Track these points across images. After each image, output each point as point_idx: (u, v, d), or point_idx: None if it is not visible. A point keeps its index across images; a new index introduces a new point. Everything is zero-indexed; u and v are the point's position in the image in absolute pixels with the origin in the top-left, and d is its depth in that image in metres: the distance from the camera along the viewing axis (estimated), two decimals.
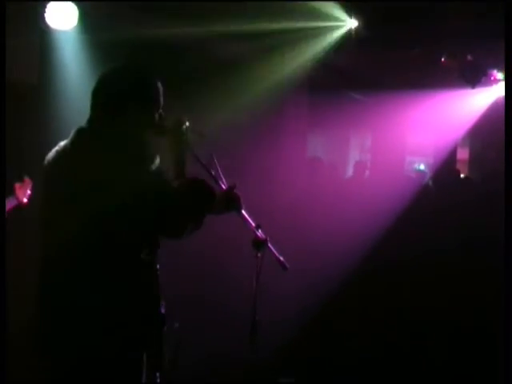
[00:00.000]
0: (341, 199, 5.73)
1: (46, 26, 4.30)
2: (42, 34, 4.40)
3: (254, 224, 3.02)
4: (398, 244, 5.27)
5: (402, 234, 5.35)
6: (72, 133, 2.68)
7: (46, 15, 4.25)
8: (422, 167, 9.10)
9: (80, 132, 2.66)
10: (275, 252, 3.05)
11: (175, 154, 2.73)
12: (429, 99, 7.22)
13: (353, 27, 4.92)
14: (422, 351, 5.05)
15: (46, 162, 2.71)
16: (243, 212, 2.96)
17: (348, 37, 5.05)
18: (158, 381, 2.79)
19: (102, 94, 2.68)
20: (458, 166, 8.42)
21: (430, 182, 7.14)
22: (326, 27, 4.89)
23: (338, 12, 4.69)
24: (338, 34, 5.01)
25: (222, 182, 2.90)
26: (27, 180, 3.62)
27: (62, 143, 2.72)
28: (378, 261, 5.21)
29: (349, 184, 6.72)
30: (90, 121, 2.68)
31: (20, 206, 3.58)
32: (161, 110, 2.76)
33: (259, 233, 3.01)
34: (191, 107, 4.90)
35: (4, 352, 2.73)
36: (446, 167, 7.40)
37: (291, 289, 4.84)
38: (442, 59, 6.08)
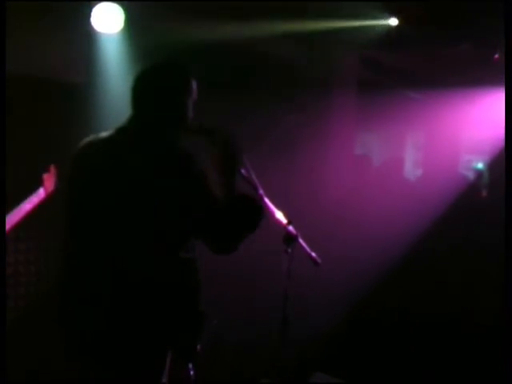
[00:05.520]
0: (390, 196, 5.71)
1: (93, 30, 4.47)
2: (90, 37, 4.57)
3: (285, 220, 3.09)
4: (443, 243, 5.23)
5: (449, 232, 5.31)
6: (113, 130, 2.76)
7: (93, 19, 4.41)
8: (479, 166, 8.88)
9: (122, 130, 2.74)
10: (306, 247, 3.11)
11: (225, 169, 2.67)
12: (484, 97, 7.07)
13: (393, 25, 4.90)
14: (469, 349, 4.98)
15: (82, 151, 2.77)
16: (274, 210, 3.03)
17: (393, 35, 5.02)
18: (192, 372, 2.86)
19: (141, 92, 2.75)
20: None
21: (485, 180, 6.99)
22: (368, 26, 4.89)
23: (379, 10, 4.69)
24: (380, 31, 4.99)
25: (258, 188, 2.94)
26: (53, 168, 3.72)
27: (101, 138, 2.77)
28: (422, 259, 5.18)
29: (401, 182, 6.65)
30: (131, 120, 2.77)
31: (49, 196, 3.70)
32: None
33: (290, 229, 3.08)
34: (237, 107, 5.00)
35: (3, 349, 2.83)
36: (502, 165, 7.21)
37: (329, 282, 4.87)
38: (496, 56, 5.94)
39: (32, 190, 3.65)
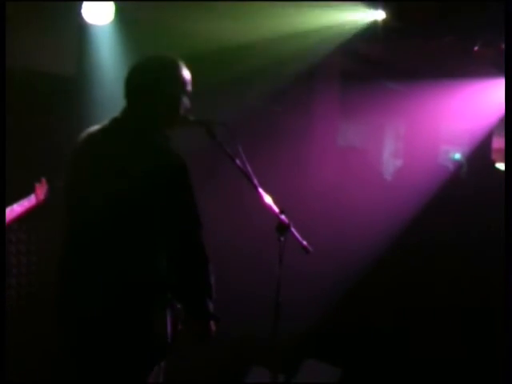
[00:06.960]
0: (371, 187, 5.80)
1: (84, 22, 4.49)
2: (80, 29, 4.59)
3: (277, 209, 3.14)
4: (425, 233, 5.32)
5: (430, 222, 5.40)
6: (106, 122, 2.81)
7: (83, 11, 4.42)
8: (457, 156, 9.02)
9: (114, 121, 2.79)
10: (298, 236, 3.16)
11: None
12: (463, 88, 7.18)
13: (379, 19, 4.99)
14: (449, 338, 5.09)
15: (78, 145, 2.83)
16: (267, 198, 3.08)
17: (377, 27, 5.10)
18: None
19: (134, 84, 2.81)
20: (495, 155, 8.33)
21: (464, 171, 7.12)
22: (352, 18, 4.96)
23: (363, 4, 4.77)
24: (364, 24, 5.07)
25: (252, 178, 3.01)
26: (44, 181, 3.85)
27: (96, 129, 2.83)
28: (404, 248, 5.27)
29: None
30: (124, 111, 2.82)
31: (39, 204, 3.83)
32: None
33: (283, 218, 3.13)
34: (222, 94, 5.04)
35: (3, 347, 2.86)
36: (479, 156, 7.35)
37: (318, 272, 4.94)
38: (475, 48, 6.04)
39: (22, 187, 3.75)
